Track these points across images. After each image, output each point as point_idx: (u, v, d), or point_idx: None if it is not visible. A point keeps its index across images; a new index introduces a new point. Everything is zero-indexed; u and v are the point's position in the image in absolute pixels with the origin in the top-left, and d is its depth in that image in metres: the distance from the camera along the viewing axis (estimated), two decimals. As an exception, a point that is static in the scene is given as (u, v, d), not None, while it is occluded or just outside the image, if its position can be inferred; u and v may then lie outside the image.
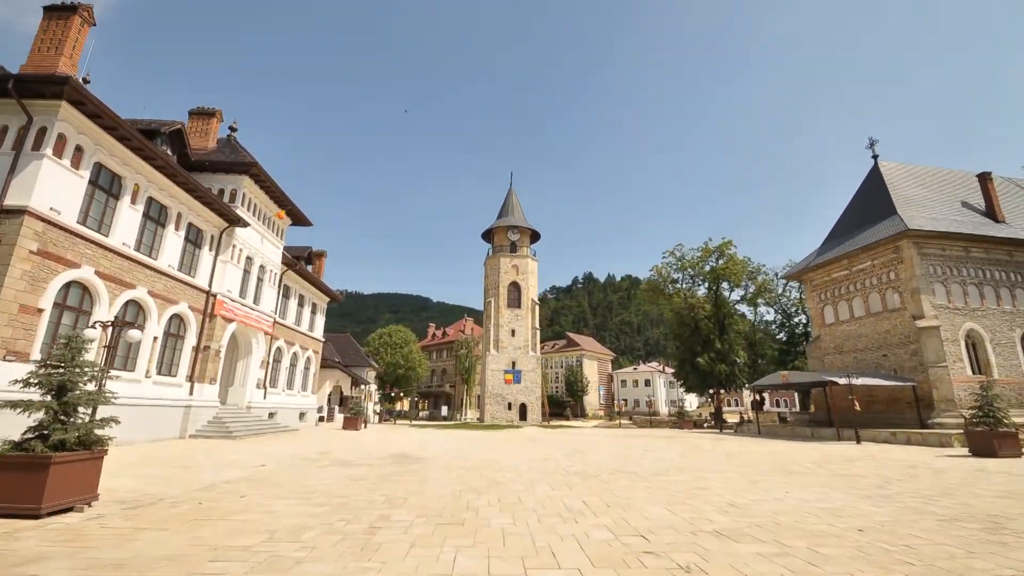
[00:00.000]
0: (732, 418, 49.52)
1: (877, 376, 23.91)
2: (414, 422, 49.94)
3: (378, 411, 52.16)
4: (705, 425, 41.34)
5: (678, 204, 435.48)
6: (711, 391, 46.33)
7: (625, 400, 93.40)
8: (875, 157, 30.73)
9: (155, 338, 16.23)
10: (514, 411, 42.33)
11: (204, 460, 11.98)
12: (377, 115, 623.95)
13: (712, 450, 18.09)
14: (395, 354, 62.49)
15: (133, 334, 10.83)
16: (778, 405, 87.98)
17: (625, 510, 7.16)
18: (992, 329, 24.51)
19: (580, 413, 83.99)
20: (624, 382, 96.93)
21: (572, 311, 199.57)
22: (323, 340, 32.76)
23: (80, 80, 15.77)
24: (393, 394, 63.70)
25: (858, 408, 21.03)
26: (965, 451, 16.52)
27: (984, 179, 28.70)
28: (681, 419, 38.43)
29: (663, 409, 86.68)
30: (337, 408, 40.46)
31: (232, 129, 23.90)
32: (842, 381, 21.57)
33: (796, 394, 60.02)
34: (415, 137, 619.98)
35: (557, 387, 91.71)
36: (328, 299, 33.49)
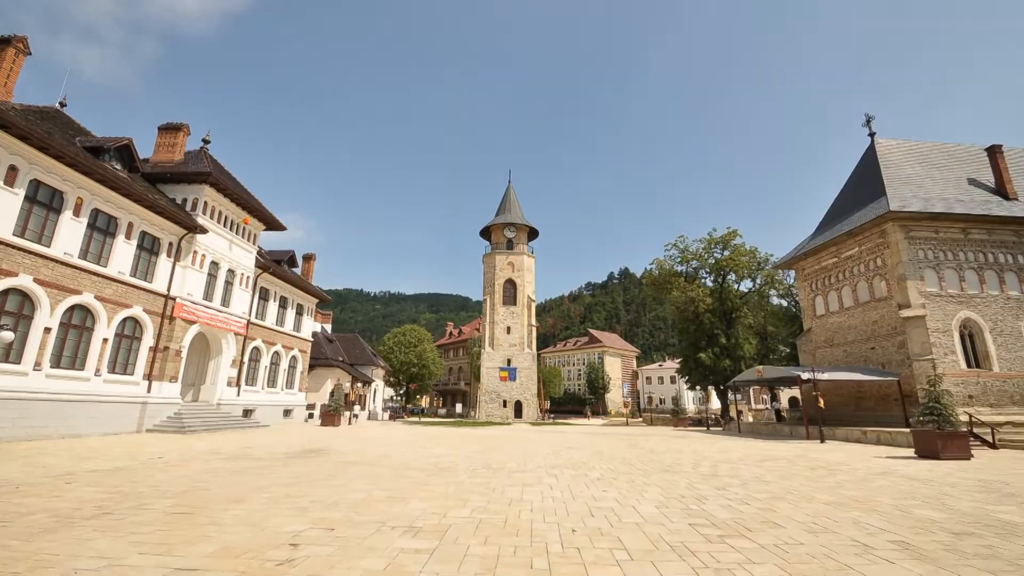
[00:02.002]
0: (753, 415, 47.37)
1: (855, 371, 22.29)
2: (421, 419, 50.90)
3: (388, 408, 53.49)
4: (709, 423, 39.75)
5: (724, 193, 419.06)
6: (721, 387, 44.57)
7: (651, 397, 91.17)
8: (871, 135, 28.56)
9: (104, 339, 17.47)
10: (509, 408, 42.32)
11: (100, 453, 12.79)
12: (424, 125, 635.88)
13: (643, 447, 17.60)
14: (409, 353, 63.87)
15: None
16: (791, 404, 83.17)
17: (385, 504, 7.17)
18: (993, 318, 22.28)
19: (603, 411, 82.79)
20: (649, 379, 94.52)
21: (606, 307, 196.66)
22: (311, 340, 34.01)
23: (53, 105, 17.15)
24: (408, 392, 65.14)
25: (822, 405, 19.73)
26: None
27: (993, 153, 26.04)
28: (676, 417, 37.16)
29: (691, 407, 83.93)
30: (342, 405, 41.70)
31: (205, 141, 25.31)
32: (806, 376, 20.26)
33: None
34: (456, 140, 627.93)
35: (579, 384, 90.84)
36: (317, 300, 34.71)
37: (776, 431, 25.42)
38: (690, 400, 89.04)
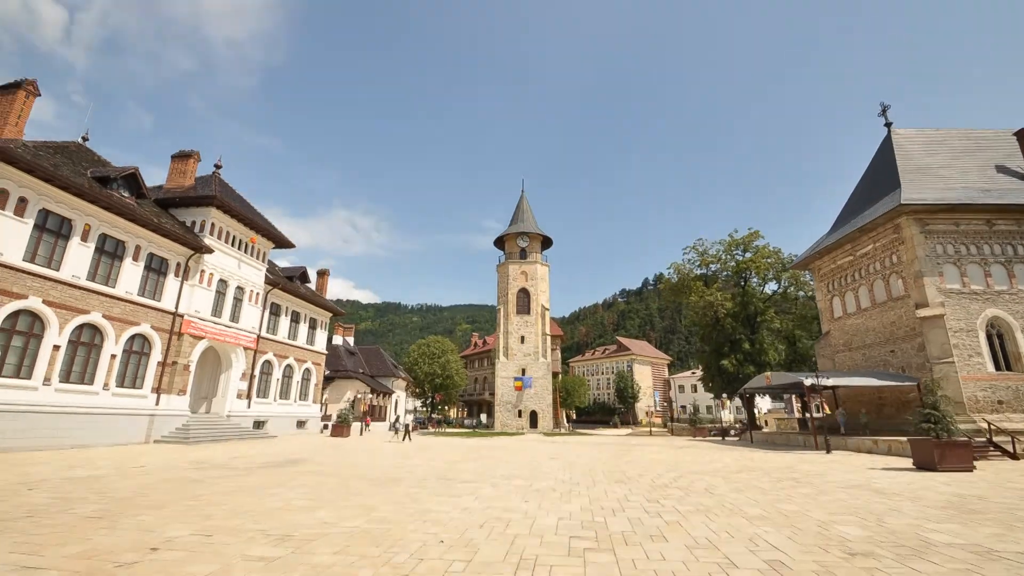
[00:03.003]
0: (778, 424, 45.00)
1: (865, 375, 20.87)
2: (443, 430, 51.22)
3: (410, 420, 54.11)
4: (732, 432, 38.05)
5: (758, 198, 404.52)
6: (746, 395, 42.66)
7: (684, 406, 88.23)
8: (888, 125, 26.97)
9: (112, 355, 18.66)
10: (524, 418, 41.97)
11: (92, 462, 13.59)
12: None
13: (626, 458, 17.14)
14: (433, 364, 64.65)
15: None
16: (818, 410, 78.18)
17: (292, 513, 7.30)
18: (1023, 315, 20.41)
19: (633, 420, 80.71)
20: (683, 387, 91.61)
21: (639, 314, 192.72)
22: (324, 352, 34.98)
23: (75, 140, 18.73)
24: (433, 403, 65.83)
25: (827, 411, 18.53)
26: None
27: (1022, 137, 24.04)
28: (694, 427, 35.82)
29: (726, 416, 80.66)
30: (351, 416, 42.68)
31: (217, 167, 26.79)
32: (808, 382, 19.12)
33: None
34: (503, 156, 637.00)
35: (608, 394, 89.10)
36: (331, 314, 35.79)
37: (790, 441, 24.02)
38: (727, 409, 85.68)
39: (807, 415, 20.15)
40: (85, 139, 23.05)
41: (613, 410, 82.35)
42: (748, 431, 27.67)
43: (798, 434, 24.51)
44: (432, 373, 63.88)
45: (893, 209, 21.37)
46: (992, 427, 16.60)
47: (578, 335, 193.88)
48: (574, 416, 73.31)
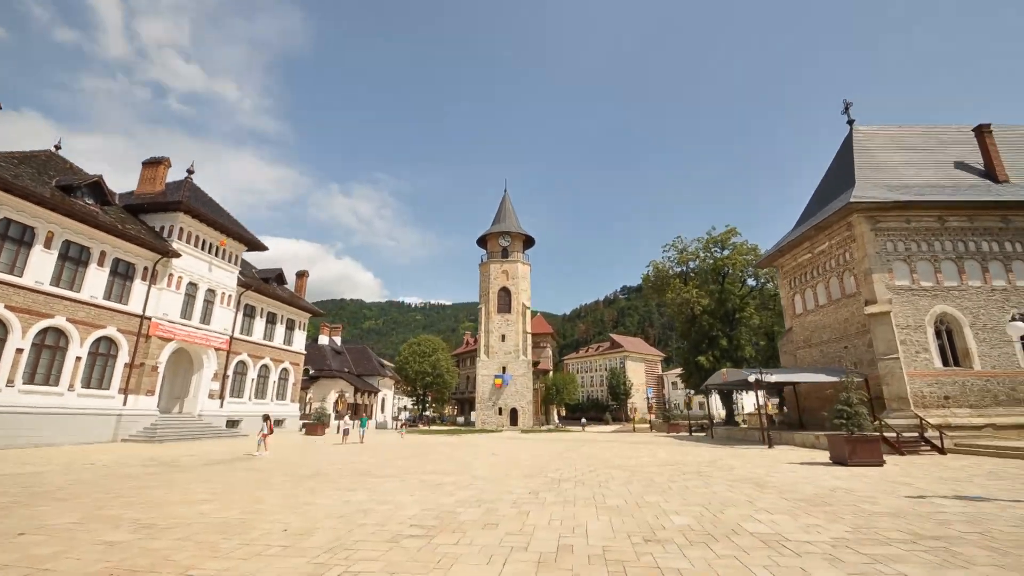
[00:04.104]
0: (748, 420, 45.23)
1: (805, 372, 21.32)
2: (428, 428, 51.81)
3: (397, 418, 54.77)
4: (693, 428, 38.17)
5: (771, 194, 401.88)
6: (725, 392, 42.91)
7: (677, 403, 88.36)
8: (850, 123, 27.13)
9: (78, 358, 19.33)
10: (504, 416, 42.49)
11: (49, 460, 14.22)
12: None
13: (568, 453, 17.61)
14: (423, 362, 65.32)
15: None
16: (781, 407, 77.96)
17: (187, 506, 7.83)
18: (974, 312, 20.64)
19: (625, 417, 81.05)
20: (675, 384, 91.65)
21: (639, 311, 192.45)
22: (303, 353, 35.63)
23: (47, 149, 19.33)
24: (424, 400, 66.54)
25: (770, 411, 18.88)
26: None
27: (981, 133, 24.17)
28: (668, 423, 36.19)
29: (720, 412, 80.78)
30: (333, 415, 43.35)
31: (189, 172, 27.40)
32: (751, 378, 19.50)
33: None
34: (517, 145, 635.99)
35: (602, 390, 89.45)
36: (310, 315, 36.43)
37: (747, 436, 24.37)
38: (720, 406, 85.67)
39: (759, 410, 20.48)
40: (57, 147, 23.67)
41: (606, 407, 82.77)
42: (711, 428, 28.03)
43: (756, 430, 24.87)
44: (422, 372, 64.49)
45: (843, 207, 21.63)
46: (924, 422, 16.90)
47: (578, 332, 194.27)
48: (563, 413, 73.76)
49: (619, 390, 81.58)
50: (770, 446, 18.61)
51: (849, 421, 13.00)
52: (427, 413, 71.60)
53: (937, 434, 15.99)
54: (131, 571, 4.75)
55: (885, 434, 16.01)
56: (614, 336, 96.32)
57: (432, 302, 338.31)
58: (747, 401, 73.93)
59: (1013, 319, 9.63)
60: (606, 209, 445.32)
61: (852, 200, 21.22)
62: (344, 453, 18.10)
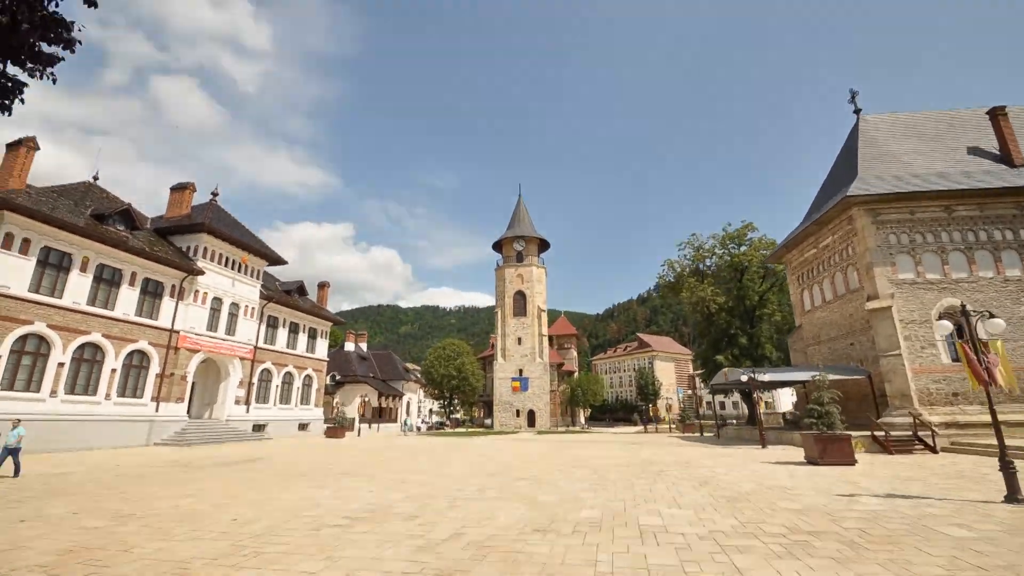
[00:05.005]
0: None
1: (801, 371, 20.87)
2: (454, 430, 53.04)
3: (423, 421, 56.27)
4: (704, 430, 37.44)
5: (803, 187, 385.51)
6: (746, 392, 41.97)
7: (710, 403, 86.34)
8: (857, 112, 26.35)
9: (113, 369, 21.38)
10: (523, 418, 43.08)
11: (82, 462, 15.98)
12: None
13: (556, 455, 18.09)
14: (448, 366, 66.82)
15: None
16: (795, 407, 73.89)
17: (170, 499, 8.98)
18: (985, 304, 19.68)
19: (654, 418, 79.89)
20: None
21: (672, 308, 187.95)
22: (326, 360, 37.42)
23: (86, 180, 21.75)
24: (451, 403, 68.03)
25: (763, 409, 18.72)
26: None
27: (995, 116, 23.01)
28: (684, 424, 35.85)
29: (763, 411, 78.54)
30: (357, 419, 45.12)
31: (214, 194, 29.61)
32: (744, 378, 19.41)
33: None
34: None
35: (631, 391, 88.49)
36: (331, 323, 38.27)
37: (752, 436, 24.02)
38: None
39: (753, 410, 20.29)
40: (96, 179, 26.15)
41: (634, 407, 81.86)
42: (718, 428, 27.74)
43: (768, 429, 24.53)
44: (448, 375, 66.06)
45: (841, 201, 21.17)
46: (916, 421, 16.40)
47: (610, 332, 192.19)
48: (589, 414, 73.49)
49: (648, 390, 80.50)
50: (764, 446, 18.47)
51: (820, 420, 12.97)
52: (456, 416, 73.19)
53: (929, 432, 15.54)
54: (86, 548, 5.79)
55: (875, 433, 15.71)
56: (642, 336, 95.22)
57: (466, 305, 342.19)
58: (782, 400, 71.62)
59: (940, 318, 9.55)
60: (639, 204, 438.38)
61: (849, 194, 20.75)
62: (342, 454, 19.25)
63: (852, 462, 12.58)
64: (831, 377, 20.14)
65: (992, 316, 8.84)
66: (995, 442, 15.52)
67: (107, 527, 6.82)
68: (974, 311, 8.92)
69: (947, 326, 9.42)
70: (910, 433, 16.01)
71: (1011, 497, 7.75)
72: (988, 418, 18.22)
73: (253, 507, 8.21)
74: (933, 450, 15.14)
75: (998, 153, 22.89)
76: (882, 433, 15.66)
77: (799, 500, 8.16)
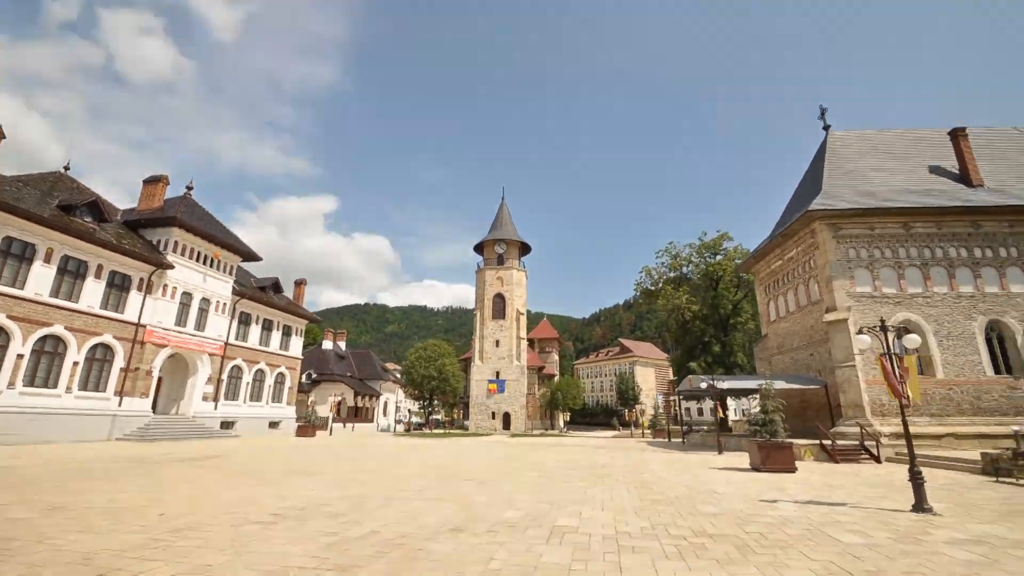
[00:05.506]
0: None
1: (752, 379, 21.47)
2: (430, 432, 53.00)
3: (400, 421, 56.16)
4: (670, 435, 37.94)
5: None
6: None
7: (688, 408, 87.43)
8: (826, 128, 27.10)
9: (75, 363, 21.11)
10: (498, 420, 43.28)
11: (36, 455, 15.79)
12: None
13: (514, 461, 18.27)
14: (429, 367, 66.73)
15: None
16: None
17: (108, 494, 8.99)
18: (938, 319, 20.45)
19: (633, 423, 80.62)
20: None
21: (657, 315, 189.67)
22: (299, 358, 37.20)
23: (57, 171, 21.44)
24: (431, 404, 67.92)
25: (721, 415, 19.18)
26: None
27: (956, 137, 23.83)
28: (655, 429, 36.30)
29: (732, 416, 79.63)
30: (330, 418, 44.84)
31: (188, 188, 29.39)
32: (703, 385, 19.84)
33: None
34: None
35: (612, 396, 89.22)
36: (307, 321, 38.08)
37: (715, 443, 24.52)
38: (734, 412, 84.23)
39: (717, 416, 20.77)
40: (66, 168, 25.82)
41: (614, 412, 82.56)
42: (684, 434, 28.23)
43: (735, 436, 25.06)
44: (428, 376, 65.99)
45: (804, 215, 21.74)
46: (863, 431, 16.93)
47: (595, 336, 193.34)
48: (568, 418, 73.91)
49: (628, 395, 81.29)
50: (720, 452, 18.90)
51: (763, 428, 13.36)
52: (436, 417, 73.06)
53: (874, 443, 16.06)
54: (6, 539, 5.84)
55: (823, 442, 16.19)
56: (624, 341, 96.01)
57: (454, 306, 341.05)
58: (755, 408, 72.67)
59: (860, 332, 9.99)
60: (626, 208, 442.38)
61: (811, 208, 21.33)
62: (303, 453, 19.25)
63: (792, 469, 12.98)
64: (792, 386, 20.77)
65: (909, 332, 9.20)
66: (939, 453, 16.15)
67: (31, 519, 6.86)
68: (892, 327, 9.28)
69: (866, 340, 9.83)
70: (857, 443, 16.50)
71: (918, 507, 8.13)
72: (939, 429, 18.96)
73: (187, 503, 8.29)
74: (877, 460, 15.65)
75: (957, 172, 23.69)
76: (830, 442, 16.13)
77: (721, 504, 8.47)
